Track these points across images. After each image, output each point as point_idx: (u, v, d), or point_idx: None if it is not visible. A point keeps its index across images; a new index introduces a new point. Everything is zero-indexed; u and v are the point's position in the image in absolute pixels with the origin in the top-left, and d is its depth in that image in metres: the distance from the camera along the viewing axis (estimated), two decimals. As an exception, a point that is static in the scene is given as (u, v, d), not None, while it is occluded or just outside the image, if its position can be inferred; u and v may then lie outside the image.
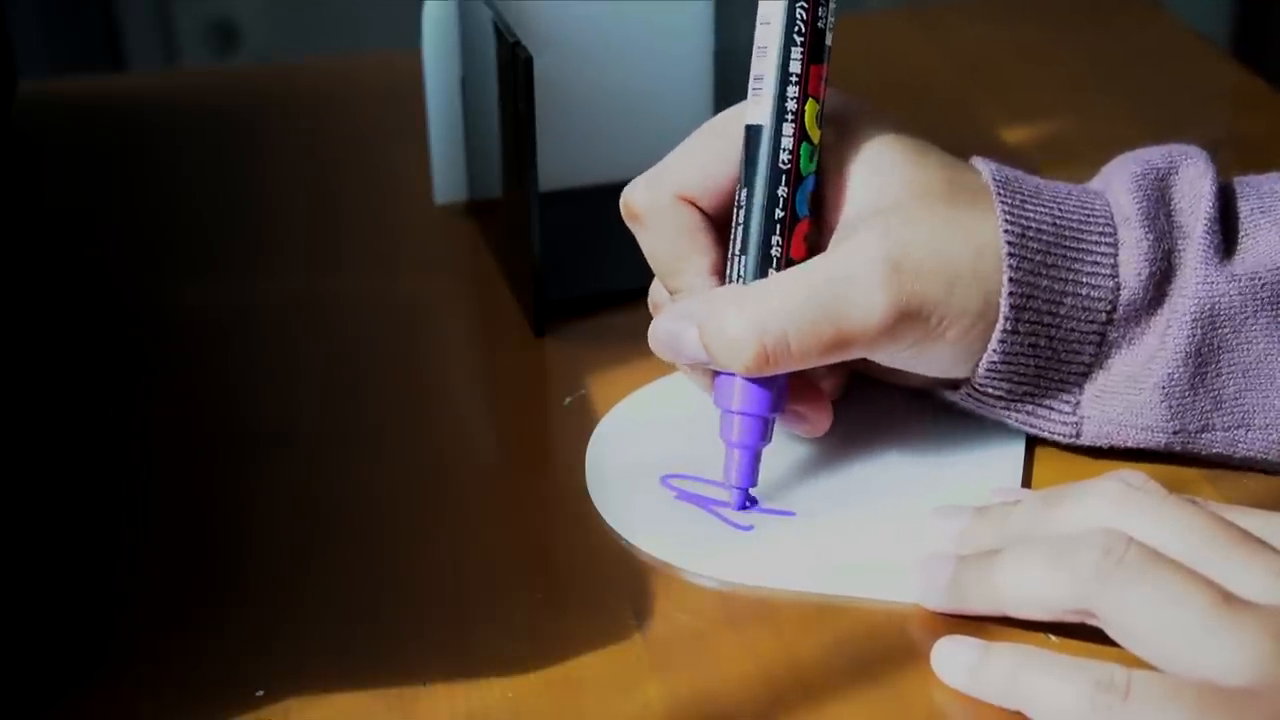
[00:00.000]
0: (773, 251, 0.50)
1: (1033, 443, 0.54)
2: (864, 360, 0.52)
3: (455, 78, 0.66)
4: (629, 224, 0.53)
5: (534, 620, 0.48)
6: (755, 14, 0.51)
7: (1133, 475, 0.48)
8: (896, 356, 0.51)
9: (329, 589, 0.49)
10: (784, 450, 0.54)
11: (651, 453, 0.54)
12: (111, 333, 0.62)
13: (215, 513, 0.53)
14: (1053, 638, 0.46)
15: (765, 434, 0.51)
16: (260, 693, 0.45)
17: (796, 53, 0.50)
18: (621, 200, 0.53)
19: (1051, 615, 0.45)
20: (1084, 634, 0.45)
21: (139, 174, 0.73)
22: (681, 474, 0.53)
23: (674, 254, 0.52)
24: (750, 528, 0.51)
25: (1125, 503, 0.45)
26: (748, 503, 0.52)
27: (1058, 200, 0.51)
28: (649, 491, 0.52)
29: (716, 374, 0.51)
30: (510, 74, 0.58)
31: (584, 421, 0.56)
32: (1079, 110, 0.76)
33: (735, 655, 0.47)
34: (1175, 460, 0.53)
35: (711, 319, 0.50)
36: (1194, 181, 0.52)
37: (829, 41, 0.51)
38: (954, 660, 0.45)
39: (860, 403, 0.56)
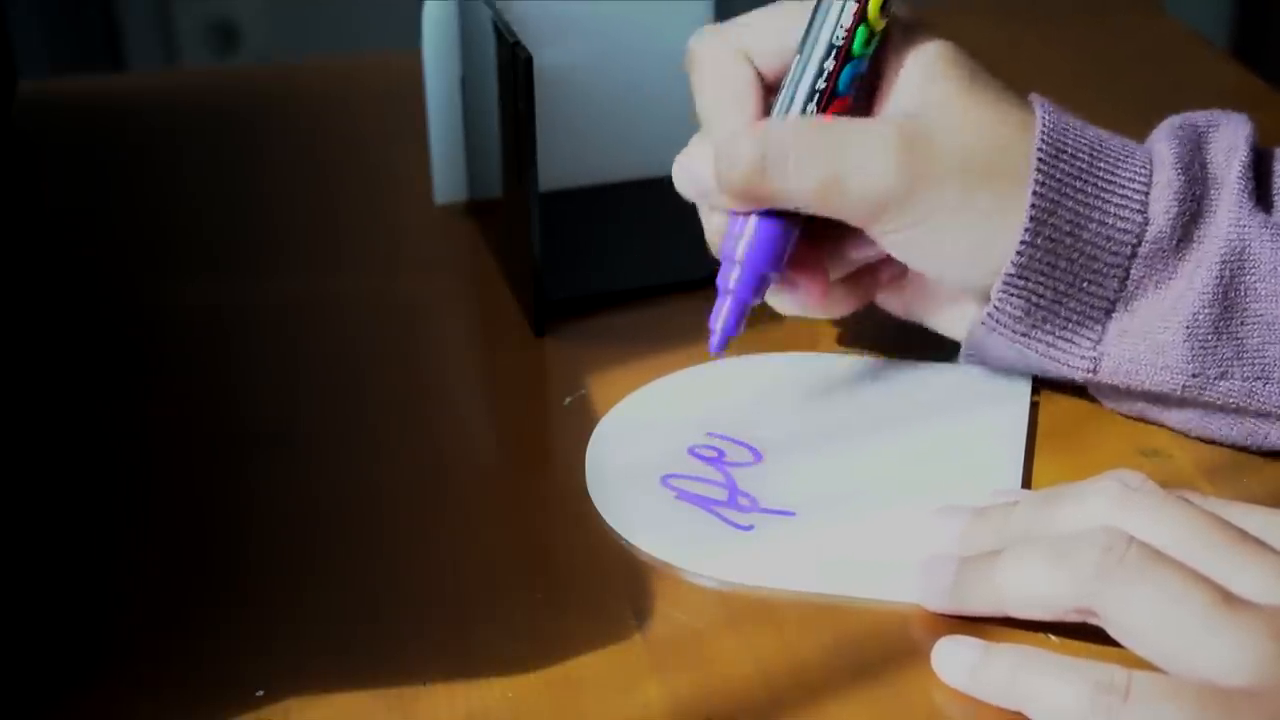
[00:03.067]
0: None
1: (1033, 444, 0.54)
2: (894, 282, 0.55)
3: (455, 78, 0.66)
4: (689, 70, 0.55)
5: (534, 620, 0.48)
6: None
7: (1131, 475, 0.48)
8: (908, 241, 0.52)
9: (329, 589, 0.49)
10: (784, 450, 0.54)
11: (652, 453, 0.54)
12: (111, 333, 0.62)
13: (215, 513, 0.53)
14: (1053, 638, 0.46)
15: (758, 289, 0.53)
16: (260, 693, 0.45)
17: None
18: (688, 46, 0.55)
19: (1053, 615, 0.45)
20: (1085, 634, 0.45)
21: (139, 174, 0.73)
22: (682, 474, 0.53)
23: (719, 104, 0.54)
24: (751, 528, 0.51)
25: (1125, 502, 0.45)
26: (724, 347, 0.53)
27: (1101, 139, 0.53)
28: (649, 492, 0.52)
29: (730, 223, 0.53)
30: (510, 74, 0.58)
31: (584, 421, 0.56)
32: (1079, 110, 0.76)
33: (735, 655, 0.47)
34: (1174, 456, 0.53)
35: (727, 137, 0.52)
36: (1230, 136, 0.53)
37: None
38: (954, 660, 0.45)
39: (861, 402, 0.56)
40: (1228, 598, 0.42)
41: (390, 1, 1.08)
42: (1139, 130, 0.56)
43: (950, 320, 0.56)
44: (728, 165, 0.52)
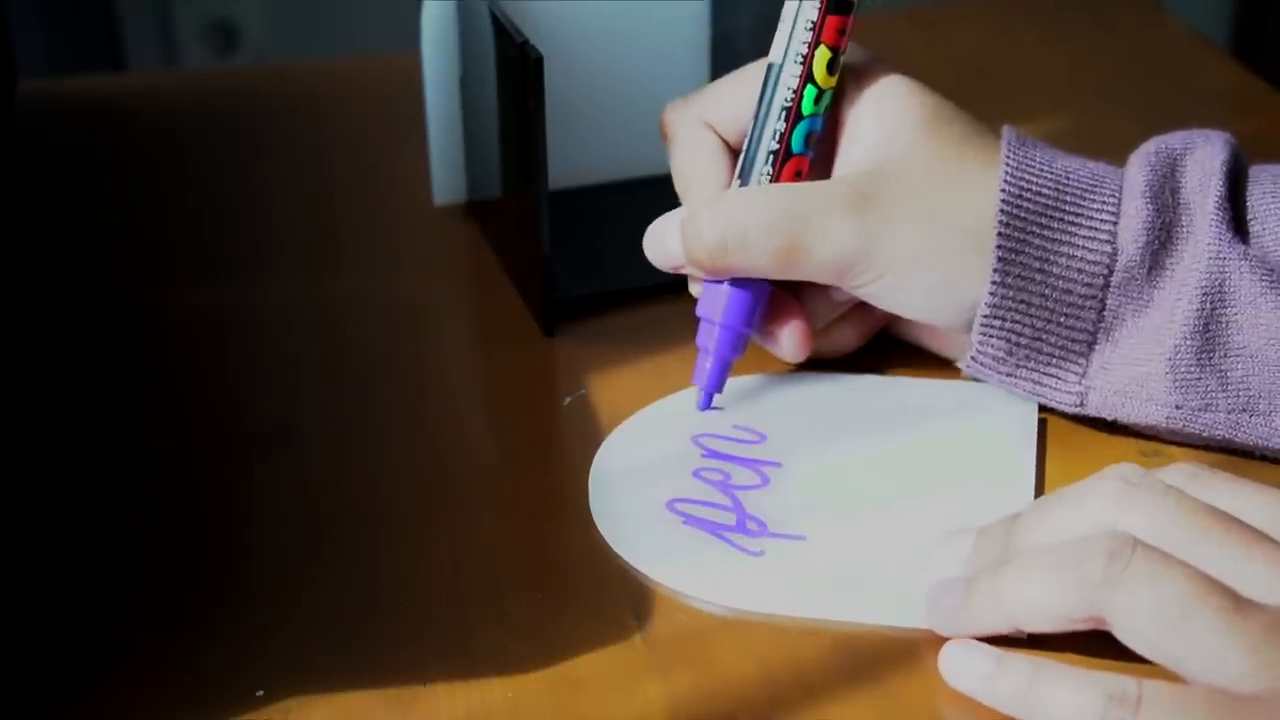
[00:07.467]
0: (762, 180, 0.54)
1: (1044, 462, 0.54)
2: (893, 319, 0.56)
3: (455, 78, 0.66)
4: (664, 140, 0.58)
5: (534, 620, 0.48)
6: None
7: (1131, 470, 0.47)
8: (879, 290, 0.53)
9: (329, 589, 0.49)
10: (792, 471, 0.53)
11: (655, 477, 0.53)
12: (111, 333, 0.62)
13: (215, 513, 0.53)
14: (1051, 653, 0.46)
15: (737, 346, 0.55)
16: (260, 693, 0.45)
17: (815, 1, 0.53)
18: (660, 117, 0.58)
19: (1064, 625, 0.44)
20: (1097, 647, 0.45)
21: (139, 174, 0.73)
22: (688, 498, 0.53)
23: (690, 171, 0.56)
24: (761, 553, 0.50)
25: (1125, 501, 0.45)
26: (710, 404, 0.56)
27: (1069, 170, 0.53)
28: (655, 517, 0.52)
29: (705, 284, 0.55)
30: (519, 73, 0.58)
31: (585, 421, 0.56)
32: (1079, 111, 0.76)
33: (735, 655, 0.47)
34: (1174, 456, 0.53)
35: (688, 214, 0.54)
36: (1205, 162, 0.53)
37: None
38: (966, 667, 0.45)
39: (868, 420, 0.56)
40: (1236, 602, 0.42)
41: (390, 2, 1.08)
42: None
43: (952, 346, 0.56)
44: (693, 243, 0.54)
